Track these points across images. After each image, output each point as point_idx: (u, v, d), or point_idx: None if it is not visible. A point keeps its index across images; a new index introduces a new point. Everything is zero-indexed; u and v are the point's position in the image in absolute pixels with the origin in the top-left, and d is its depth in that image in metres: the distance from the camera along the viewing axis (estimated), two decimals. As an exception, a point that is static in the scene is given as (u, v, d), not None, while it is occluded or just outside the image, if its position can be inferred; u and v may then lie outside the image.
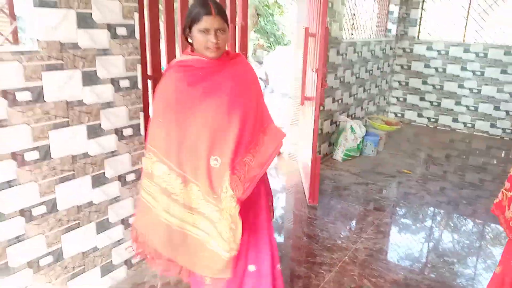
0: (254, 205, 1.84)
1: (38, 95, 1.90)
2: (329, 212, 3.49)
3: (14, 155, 1.85)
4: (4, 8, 2.08)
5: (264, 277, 1.89)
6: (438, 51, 6.53)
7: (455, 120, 6.53)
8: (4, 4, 2.08)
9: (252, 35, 14.08)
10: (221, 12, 1.63)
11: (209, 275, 1.73)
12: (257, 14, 14.38)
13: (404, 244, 3.05)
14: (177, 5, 2.62)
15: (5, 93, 1.78)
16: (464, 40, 6.47)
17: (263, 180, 1.90)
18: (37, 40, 1.87)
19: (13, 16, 2.10)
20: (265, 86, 9.97)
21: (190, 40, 1.71)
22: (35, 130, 1.92)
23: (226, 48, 1.75)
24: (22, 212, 1.93)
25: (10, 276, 1.93)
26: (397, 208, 3.66)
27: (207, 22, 1.59)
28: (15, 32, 2.09)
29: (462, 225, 3.44)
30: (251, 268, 1.87)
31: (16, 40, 2.09)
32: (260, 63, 11.20)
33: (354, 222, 3.36)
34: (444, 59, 6.49)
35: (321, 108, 4.59)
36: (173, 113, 1.63)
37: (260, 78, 10.00)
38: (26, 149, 1.89)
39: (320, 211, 3.50)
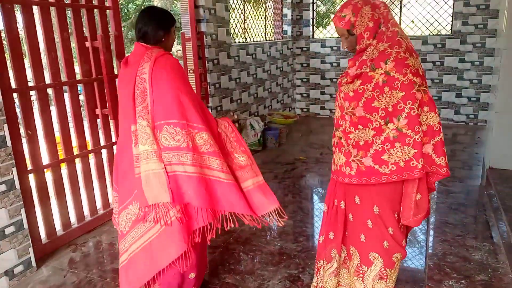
0: None
1: None
2: (224, 203, 3.68)
3: None
4: None
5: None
6: (331, 47, 7.08)
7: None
8: None
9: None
10: None
11: None
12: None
13: (284, 220, 3.32)
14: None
15: None
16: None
17: None
18: None
19: None
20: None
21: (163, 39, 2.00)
22: None
23: None
24: None
25: None
26: (286, 191, 3.94)
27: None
28: None
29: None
30: None
31: None
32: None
33: (247, 208, 3.57)
34: (337, 54, 7.05)
35: (218, 108, 4.84)
36: (190, 88, 2.04)
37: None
38: None
39: (215, 203, 3.69)
